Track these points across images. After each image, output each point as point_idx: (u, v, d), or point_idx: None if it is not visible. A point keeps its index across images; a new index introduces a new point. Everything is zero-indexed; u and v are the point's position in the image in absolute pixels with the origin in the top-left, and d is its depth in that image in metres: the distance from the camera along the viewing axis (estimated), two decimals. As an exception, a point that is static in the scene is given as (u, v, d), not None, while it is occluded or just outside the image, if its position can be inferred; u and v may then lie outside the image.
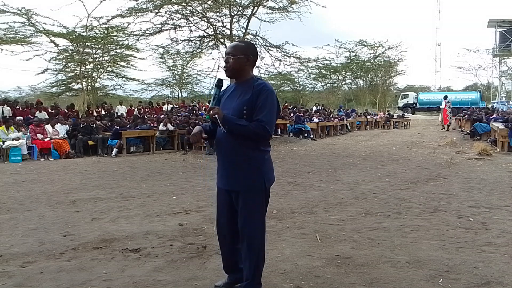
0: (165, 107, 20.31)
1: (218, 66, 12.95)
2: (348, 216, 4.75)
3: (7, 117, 12.17)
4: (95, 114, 15.68)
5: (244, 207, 2.49)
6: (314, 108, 24.29)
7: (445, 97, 21.12)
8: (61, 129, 11.94)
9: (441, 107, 21.60)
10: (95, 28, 18.74)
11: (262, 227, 2.56)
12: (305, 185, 6.74)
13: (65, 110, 15.50)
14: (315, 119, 18.50)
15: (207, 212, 4.86)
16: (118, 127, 12.07)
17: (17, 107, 13.97)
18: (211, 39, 13.40)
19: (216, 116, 2.42)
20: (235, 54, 2.50)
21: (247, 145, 2.45)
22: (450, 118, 20.63)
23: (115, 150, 11.40)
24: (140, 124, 12.91)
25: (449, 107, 20.64)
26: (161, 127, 12.96)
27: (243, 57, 2.51)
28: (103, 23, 16.90)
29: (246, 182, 2.46)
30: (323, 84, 35.89)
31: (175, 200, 5.64)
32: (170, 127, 12.95)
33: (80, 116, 14.34)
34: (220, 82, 2.67)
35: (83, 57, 20.01)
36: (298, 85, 35.55)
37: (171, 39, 16.56)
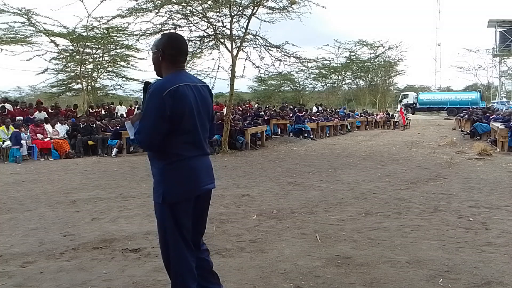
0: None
1: (218, 66, 12.93)
2: (348, 216, 4.75)
3: (6, 113, 12.20)
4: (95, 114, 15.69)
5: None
6: (314, 108, 24.29)
7: (400, 101, 26.05)
8: (61, 129, 11.95)
9: (397, 109, 24.66)
10: (95, 28, 18.73)
11: (163, 241, 2.30)
12: (305, 185, 6.74)
13: (71, 109, 15.53)
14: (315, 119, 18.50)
15: (207, 212, 4.86)
16: (118, 127, 12.07)
17: (17, 107, 13.97)
18: (211, 39, 13.39)
19: (129, 122, 2.32)
20: (152, 49, 2.33)
21: (152, 154, 2.26)
22: (407, 118, 24.14)
23: (115, 150, 11.40)
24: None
25: (405, 109, 24.77)
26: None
27: (156, 51, 2.28)
28: (103, 23, 16.88)
29: (153, 191, 2.30)
30: (323, 84, 35.91)
31: (175, 200, 5.63)
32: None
33: (77, 115, 14.35)
34: (146, 85, 2.43)
35: (83, 57, 20.02)
36: (298, 85, 35.58)
37: (171, 39, 16.52)
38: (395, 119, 24.24)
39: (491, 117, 15.85)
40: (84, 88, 20.79)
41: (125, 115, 15.79)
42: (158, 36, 2.41)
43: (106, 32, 19.13)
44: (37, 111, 13.35)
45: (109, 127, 12.69)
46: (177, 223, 2.25)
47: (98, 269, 3.21)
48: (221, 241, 3.83)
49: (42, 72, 19.90)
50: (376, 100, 35.18)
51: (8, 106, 13.14)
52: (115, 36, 19.93)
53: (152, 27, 14.46)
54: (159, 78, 2.33)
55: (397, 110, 24.37)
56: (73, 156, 11.10)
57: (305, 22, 18.94)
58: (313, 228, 4.28)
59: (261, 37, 14.50)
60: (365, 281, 2.95)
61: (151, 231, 4.16)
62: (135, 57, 22.40)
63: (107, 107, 17.06)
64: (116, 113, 16.43)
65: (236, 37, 13.16)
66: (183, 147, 2.22)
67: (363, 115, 26.11)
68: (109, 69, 23.28)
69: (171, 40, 2.34)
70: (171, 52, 2.28)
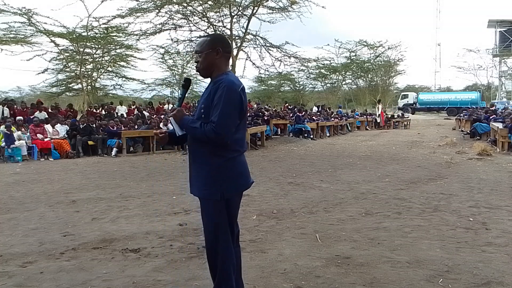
0: (166, 107, 20.33)
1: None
2: (348, 216, 4.75)
3: (8, 116, 12.18)
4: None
5: (202, 214, 2.35)
6: (315, 108, 24.30)
7: (379, 101, 26.84)
8: (61, 129, 11.94)
9: (378, 111, 25.82)
10: (95, 28, 18.77)
11: (214, 238, 2.30)
12: (305, 185, 6.74)
13: (68, 109, 15.51)
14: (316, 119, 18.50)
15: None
16: (110, 127, 11.97)
17: (17, 107, 13.95)
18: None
19: (172, 118, 2.31)
20: (202, 50, 2.28)
21: (204, 150, 2.24)
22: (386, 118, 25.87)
23: (115, 150, 11.39)
24: (140, 124, 12.91)
25: (383, 109, 26.95)
26: (161, 127, 12.96)
27: (211, 51, 2.27)
28: (103, 23, 16.94)
29: (201, 189, 2.29)
30: (323, 84, 35.94)
31: (175, 200, 5.64)
32: (170, 127, 12.92)
33: (76, 116, 14.33)
34: (187, 82, 2.47)
35: (83, 57, 20.04)
36: (298, 85, 35.61)
37: (171, 39, 16.58)
38: (377, 120, 24.60)
39: (491, 117, 15.85)
40: (84, 88, 20.80)
41: (125, 115, 15.78)
42: (203, 38, 2.42)
43: (106, 32, 19.15)
44: (37, 111, 13.34)
45: (109, 127, 12.66)
46: (230, 217, 2.32)
47: (98, 269, 3.21)
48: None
49: (42, 72, 19.95)
50: (376, 100, 35.21)
51: (5, 110, 13.01)
52: (115, 36, 19.95)
53: (152, 27, 14.46)
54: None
55: (378, 111, 24.97)
56: (73, 156, 11.10)
57: (305, 22, 19.03)
58: (313, 228, 4.28)
59: (261, 37, 14.54)
60: (365, 281, 2.95)
61: (151, 231, 4.17)
62: (135, 57, 22.47)
63: (106, 106, 17.04)
64: (116, 113, 16.43)
65: (236, 37, 13.17)
66: (240, 143, 2.32)
67: (364, 115, 26.14)
68: (109, 69, 23.31)
69: (225, 39, 2.42)
70: (227, 49, 2.33)
